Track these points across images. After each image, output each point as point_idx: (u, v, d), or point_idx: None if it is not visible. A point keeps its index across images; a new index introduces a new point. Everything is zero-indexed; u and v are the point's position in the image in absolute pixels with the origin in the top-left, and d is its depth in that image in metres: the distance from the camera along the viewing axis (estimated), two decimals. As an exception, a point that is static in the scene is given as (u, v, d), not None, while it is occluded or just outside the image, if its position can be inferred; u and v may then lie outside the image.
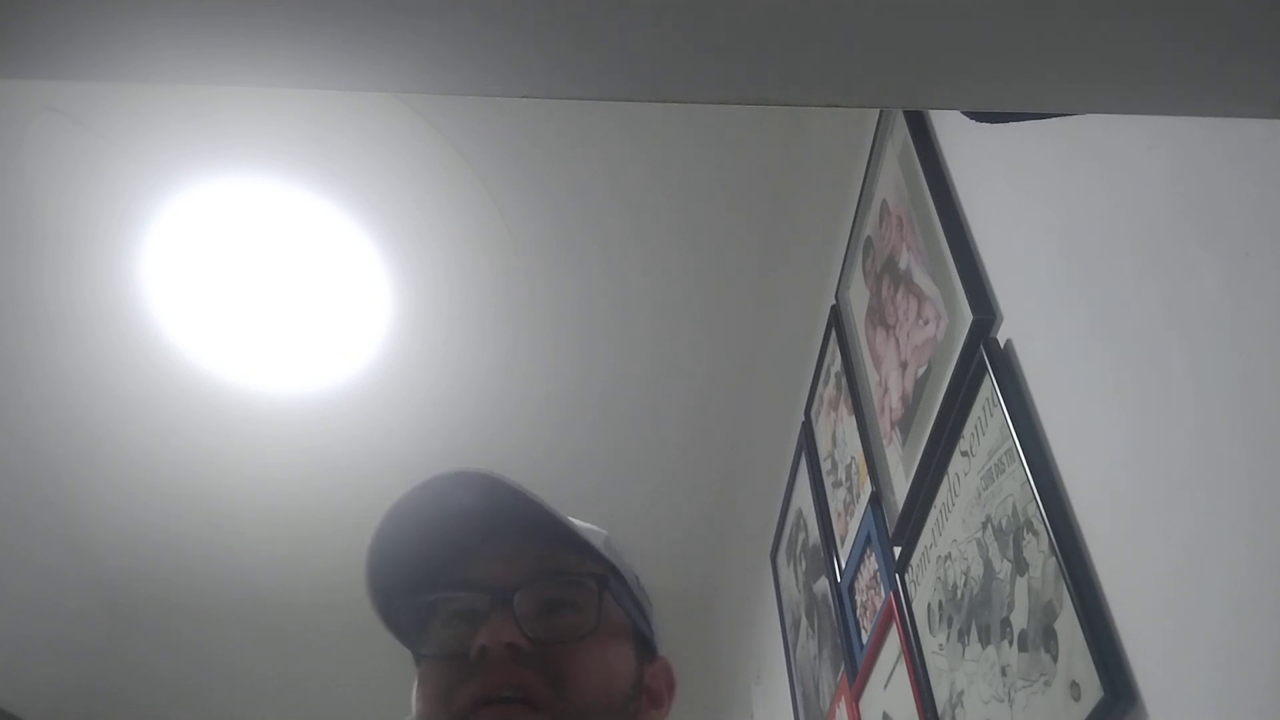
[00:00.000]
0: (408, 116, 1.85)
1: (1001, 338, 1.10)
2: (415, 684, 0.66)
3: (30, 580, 2.68)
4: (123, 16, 0.44)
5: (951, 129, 1.27)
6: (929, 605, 1.24)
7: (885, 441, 1.43)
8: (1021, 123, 0.81)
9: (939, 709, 1.20)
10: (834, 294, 1.72)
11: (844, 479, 1.66)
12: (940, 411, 1.19)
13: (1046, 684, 0.92)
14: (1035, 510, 0.95)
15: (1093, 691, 0.84)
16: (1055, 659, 0.91)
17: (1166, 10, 0.47)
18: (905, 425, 1.33)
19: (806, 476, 1.91)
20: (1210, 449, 0.74)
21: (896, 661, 1.37)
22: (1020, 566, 0.99)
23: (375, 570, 0.66)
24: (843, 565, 1.64)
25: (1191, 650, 0.75)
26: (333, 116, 1.86)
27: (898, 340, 1.38)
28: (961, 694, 1.13)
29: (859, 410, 1.54)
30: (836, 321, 1.70)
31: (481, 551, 0.65)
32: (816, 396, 1.87)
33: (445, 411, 2.43)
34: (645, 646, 0.71)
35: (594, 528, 0.72)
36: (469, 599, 0.64)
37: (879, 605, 1.46)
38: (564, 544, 0.66)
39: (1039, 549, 0.95)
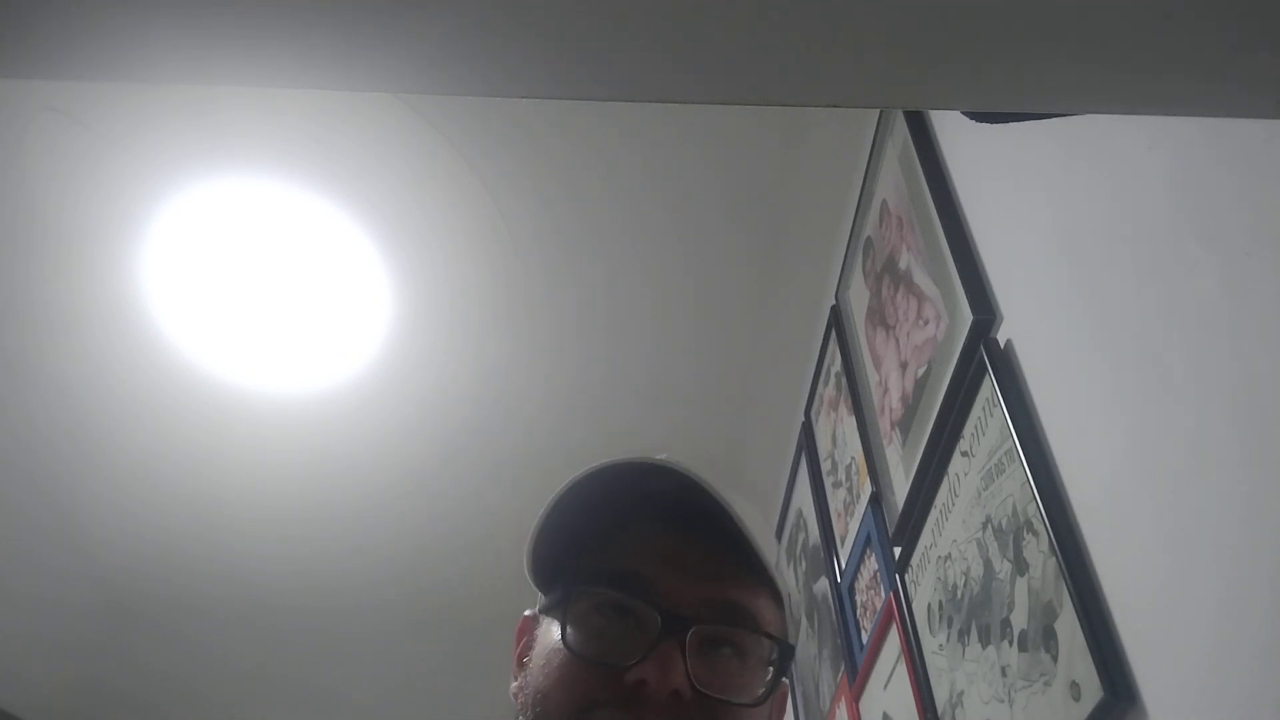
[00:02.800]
0: (408, 116, 1.85)
1: (1001, 338, 1.10)
2: (536, 646, 0.60)
3: (31, 579, 2.68)
4: (123, 17, 0.44)
5: (951, 129, 1.27)
6: (929, 605, 1.24)
7: (885, 441, 1.42)
8: (1021, 123, 0.81)
9: (939, 709, 1.20)
10: (834, 294, 1.72)
11: (844, 479, 1.66)
12: (940, 411, 1.19)
13: (1046, 684, 0.92)
14: (1035, 510, 0.95)
15: (1093, 691, 0.84)
16: (1055, 659, 0.91)
17: (1166, 11, 0.47)
18: (905, 425, 1.33)
19: (806, 476, 1.91)
20: (1210, 449, 0.74)
21: (896, 661, 1.37)
22: (1020, 566, 0.99)
23: (548, 528, 0.61)
24: (843, 565, 1.64)
25: (1191, 650, 0.75)
26: (333, 116, 1.86)
27: (898, 340, 1.38)
28: (961, 694, 1.13)
29: (859, 410, 1.54)
30: (836, 321, 1.70)
31: (662, 549, 0.59)
32: (816, 396, 1.87)
33: (445, 412, 2.43)
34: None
35: (768, 529, 0.64)
36: (636, 606, 0.57)
37: (879, 605, 1.46)
38: (750, 577, 0.60)
39: (1039, 549, 0.95)
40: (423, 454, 2.54)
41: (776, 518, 2.19)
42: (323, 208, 1.99)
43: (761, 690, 0.58)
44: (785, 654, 0.60)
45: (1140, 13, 0.47)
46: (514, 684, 0.64)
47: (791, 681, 2.04)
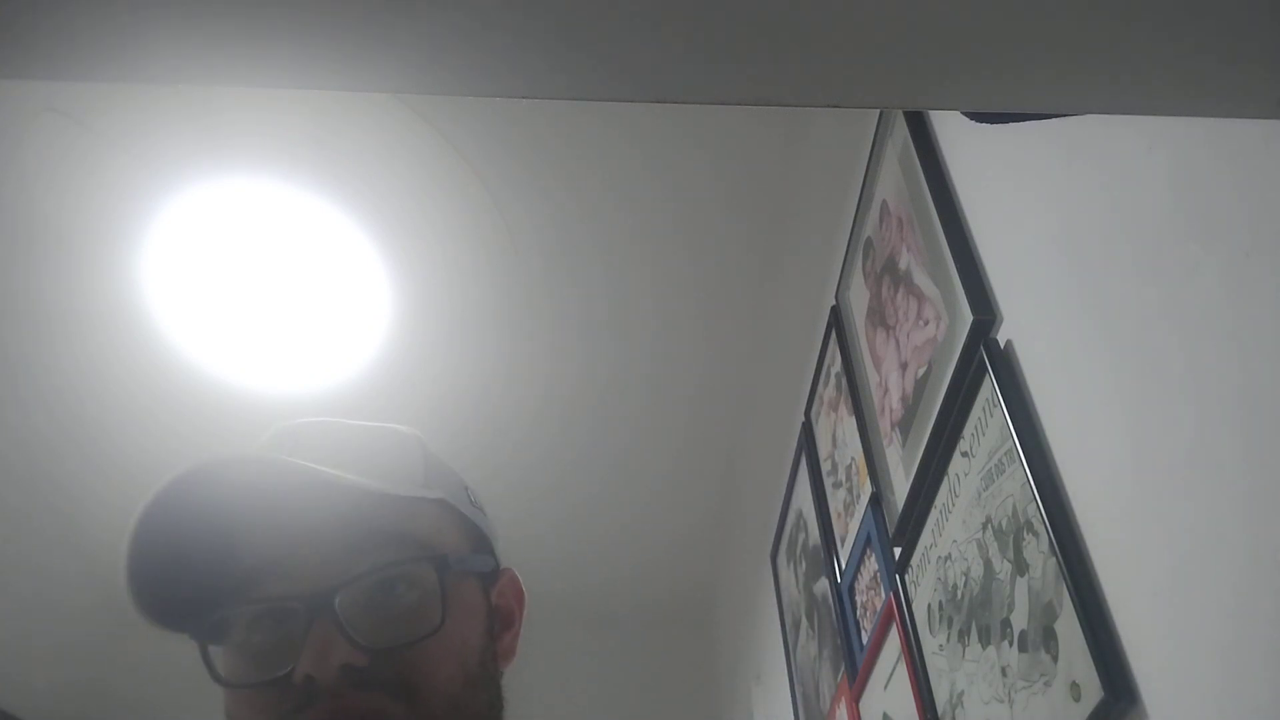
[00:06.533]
0: (408, 116, 1.85)
1: (1001, 338, 1.10)
2: (226, 704, 0.54)
3: (29, 580, 2.68)
4: (123, 16, 0.44)
5: (951, 129, 1.27)
6: (929, 606, 1.24)
7: (885, 442, 1.42)
8: (1021, 123, 0.81)
9: (939, 710, 1.20)
10: (834, 294, 1.72)
11: (844, 479, 1.66)
12: (940, 412, 1.19)
13: (1046, 684, 0.92)
14: (1035, 510, 0.95)
15: (1093, 692, 0.84)
16: (1055, 659, 0.91)
17: (1166, 10, 0.47)
18: (905, 426, 1.33)
19: (806, 477, 1.91)
20: (1210, 449, 0.74)
21: (896, 662, 1.37)
22: (1020, 567, 0.99)
23: (140, 585, 0.51)
24: (843, 566, 1.64)
25: (1191, 650, 0.75)
26: (333, 117, 1.86)
27: (898, 341, 1.38)
28: (962, 694, 1.13)
29: (859, 411, 1.54)
30: (836, 322, 1.70)
31: (270, 530, 0.53)
32: (816, 397, 1.87)
33: (445, 412, 2.43)
34: (488, 575, 0.61)
35: (401, 432, 0.61)
36: (274, 604, 0.51)
37: (879, 606, 1.46)
38: (378, 505, 0.54)
39: (1039, 549, 0.95)
40: (423, 454, 2.54)
41: (776, 518, 2.19)
42: (323, 208, 1.99)
43: (437, 613, 0.52)
44: (444, 565, 0.54)
45: (1140, 13, 0.47)
46: None
47: (792, 682, 2.04)
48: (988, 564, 1.07)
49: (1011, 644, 1.00)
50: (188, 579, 0.53)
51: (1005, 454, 1.03)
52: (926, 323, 1.27)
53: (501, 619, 0.62)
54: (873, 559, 1.50)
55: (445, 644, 0.53)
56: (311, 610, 0.50)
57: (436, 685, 0.52)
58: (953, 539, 1.17)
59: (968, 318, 1.12)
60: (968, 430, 1.13)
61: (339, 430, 0.61)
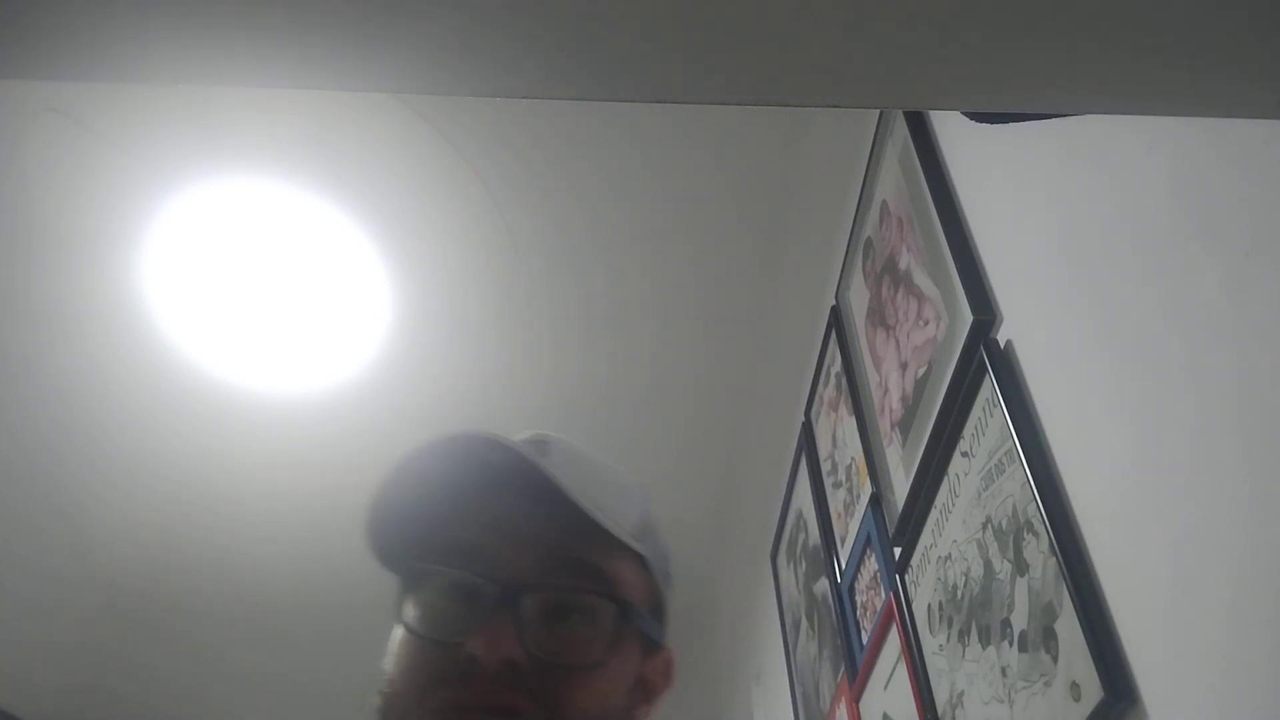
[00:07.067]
0: (408, 116, 1.85)
1: (1001, 338, 1.10)
2: (396, 639, 0.59)
3: (30, 581, 2.68)
4: (123, 16, 0.44)
5: (951, 129, 1.27)
6: (929, 606, 1.24)
7: (885, 442, 1.42)
8: (1021, 123, 0.81)
9: (939, 709, 1.20)
10: (834, 294, 1.72)
11: (844, 479, 1.66)
12: (940, 412, 1.19)
13: (1047, 684, 0.92)
14: (1035, 511, 0.95)
15: (1093, 692, 0.84)
16: (1055, 659, 0.91)
17: (1166, 11, 0.47)
18: (905, 426, 1.33)
19: (806, 477, 1.91)
20: (1210, 449, 0.74)
21: (896, 662, 1.37)
22: (1020, 567, 0.99)
23: (384, 511, 0.60)
24: (843, 566, 1.64)
25: (1191, 650, 0.75)
26: (333, 117, 1.86)
27: (898, 341, 1.38)
28: (962, 694, 1.13)
29: (859, 411, 1.54)
30: (836, 322, 1.70)
31: (503, 518, 0.58)
32: (816, 397, 1.87)
33: (445, 412, 2.43)
34: (652, 643, 0.64)
35: (635, 481, 0.66)
36: (470, 578, 0.56)
37: (879, 606, 1.46)
38: (589, 534, 0.58)
39: (1039, 549, 0.95)
40: (423, 454, 2.54)
41: (776, 518, 2.19)
42: (323, 208, 1.99)
43: (602, 650, 0.56)
44: (625, 612, 0.58)
45: (1139, 12, 0.47)
46: None
47: (792, 682, 2.04)
48: (988, 564, 1.07)
49: (1011, 644, 1.00)
50: (416, 525, 0.59)
51: (1005, 454, 1.03)
52: (926, 323, 1.27)
53: (644, 690, 0.64)
54: (873, 559, 1.50)
55: (598, 682, 0.56)
56: (501, 598, 0.54)
57: (578, 714, 0.55)
58: (953, 539, 1.17)
59: (968, 318, 1.12)
60: (968, 430, 1.13)
61: (583, 455, 0.66)
